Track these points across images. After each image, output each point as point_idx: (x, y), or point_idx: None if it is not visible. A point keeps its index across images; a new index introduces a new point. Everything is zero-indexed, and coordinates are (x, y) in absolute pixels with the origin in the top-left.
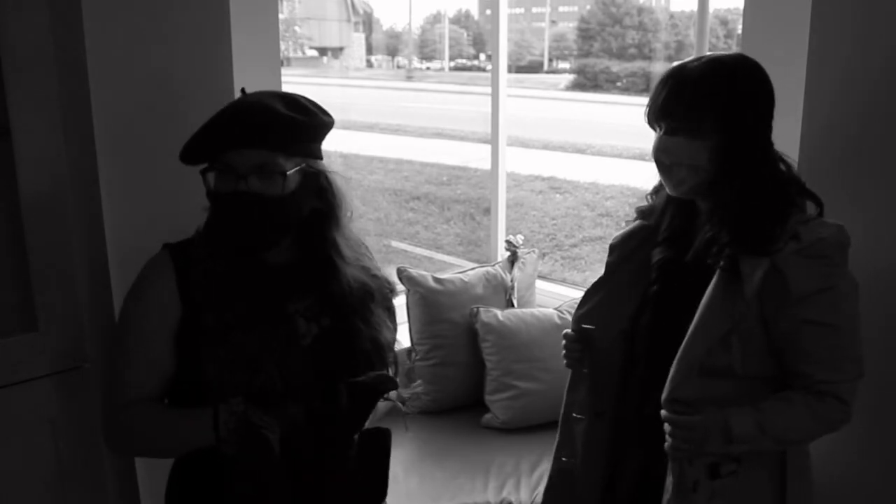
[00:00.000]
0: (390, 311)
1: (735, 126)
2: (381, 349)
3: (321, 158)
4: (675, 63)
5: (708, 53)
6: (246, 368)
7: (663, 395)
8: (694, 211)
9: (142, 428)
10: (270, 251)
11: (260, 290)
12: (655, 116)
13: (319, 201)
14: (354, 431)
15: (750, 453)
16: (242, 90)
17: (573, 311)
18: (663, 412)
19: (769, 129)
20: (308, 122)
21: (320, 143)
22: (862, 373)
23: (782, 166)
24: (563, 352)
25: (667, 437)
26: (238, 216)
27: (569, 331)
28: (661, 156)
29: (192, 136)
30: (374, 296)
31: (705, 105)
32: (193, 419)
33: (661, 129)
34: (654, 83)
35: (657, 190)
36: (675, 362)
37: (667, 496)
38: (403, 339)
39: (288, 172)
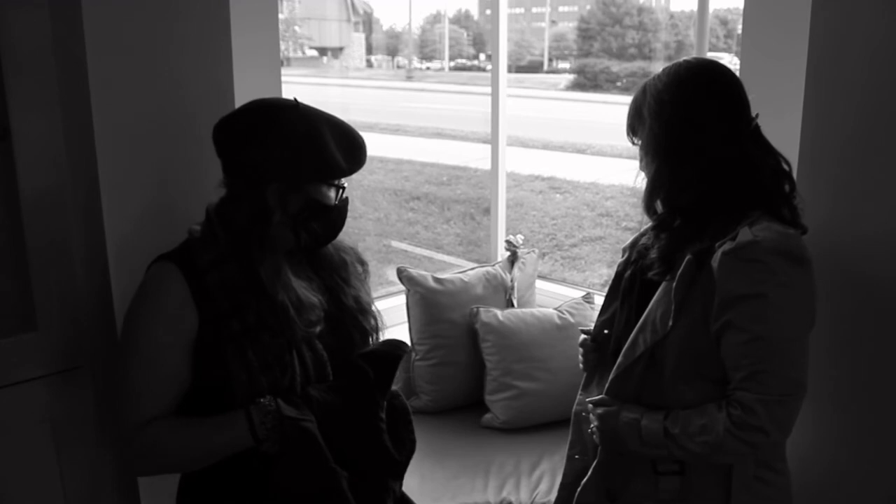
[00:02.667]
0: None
1: (656, 134)
2: (363, 307)
3: None
4: None
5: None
6: (275, 368)
7: (605, 388)
8: None
9: (168, 444)
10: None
11: (277, 287)
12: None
13: None
14: (385, 398)
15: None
16: (295, 100)
17: (576, 312)
18: (589, 403)
19: (715, 132)
20: None
21: None
22: (793, 392)
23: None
24: (580, 359)
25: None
26: (340, 221)
27: (585, 338)
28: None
29: (337, 157)
30: (350, 257)
31: (635, 110)
32: (226, 426)
33: None
34: None
35: None
36: (619, 358)
37: (587, 476)
38: (403, 339)
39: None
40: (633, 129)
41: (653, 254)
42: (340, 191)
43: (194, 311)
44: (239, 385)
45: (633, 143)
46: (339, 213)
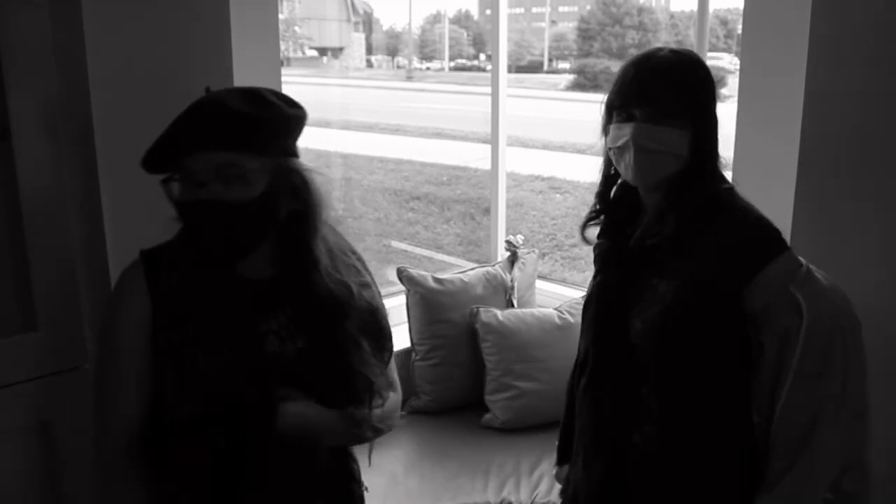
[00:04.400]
0: (376, 338)
1: (706, 116)
2: (345, 373)
3: (295, 155)
4: (638, 54)
5: (665, 47)
6: (195, 393)
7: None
8: (636, 203)
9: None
10: (248, 262)
11: (228, 306)
12: (634, 102)
13: (295, 203)
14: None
15: None
16: (207, 89)
17: (576, 312)
18: None
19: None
20: (267, 116)
21: (294, 138)
22: None
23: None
24: None
25: None
26: (203, 226)
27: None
28: (647, 143)
29: (152, 144)
30: (349, 315)
31: (689, 94)
32: None
33: (636, 116)
34: None
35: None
36: None
37: None
38: (403, 339)
39: (249, 174)
40: (656, 101)
41: (667, 231)
42: (202, 188)
43: (150, 313)
44: (164, 405)
45: (615, 117)
46: (191, 214)
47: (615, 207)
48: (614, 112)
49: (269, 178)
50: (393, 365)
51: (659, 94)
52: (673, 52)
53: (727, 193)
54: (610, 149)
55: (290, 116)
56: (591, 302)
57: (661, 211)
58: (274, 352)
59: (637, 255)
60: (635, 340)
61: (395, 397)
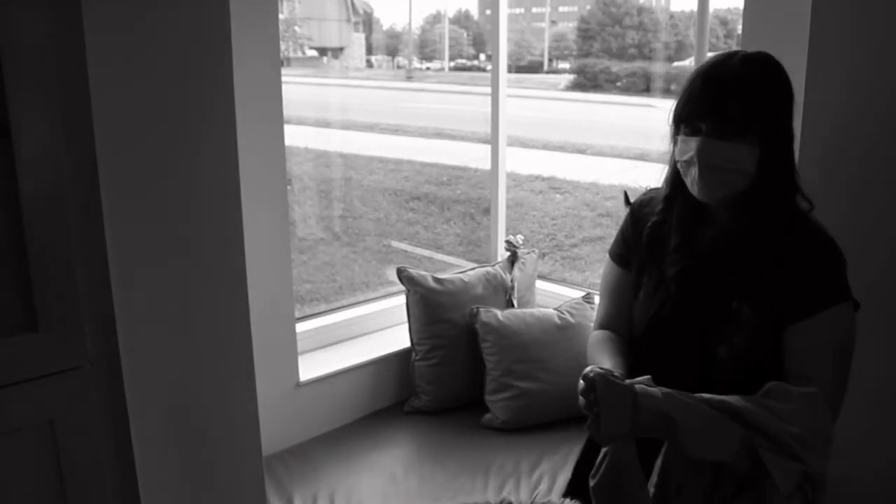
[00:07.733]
0: None
1: (777, 131)
2: None
3: None
4: (708, 62)
5: (740, 51)
6: None
7: None
8: (700, 217)
9: None
10: None
11: None
12: (701, 115)
13: None
14: None
15: None
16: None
17: (576, 313)
18: None
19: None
20: None
21: None
22: None
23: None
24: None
25: None
26: None
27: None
28: (713, 159)
29: None
30: None
31: (758, 108)
32: None
33: (703, 130)
34: (654, 83)
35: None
36: None
37: None
38: (403, 339)
39: None
40: (724, 116)
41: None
42: None
43: None
44: None
45: (683, 130)
46: None
47: (681, 218)
48: (682, 124)
49: None
50: None
51: (725, 109)
52: (745, 59)
53: (801, 213)
54: (677, 161)
55: None
56: (661, 320)
57: (732, 232)
58: None
59: (714, 275)
60: (718, 367)
61: None
